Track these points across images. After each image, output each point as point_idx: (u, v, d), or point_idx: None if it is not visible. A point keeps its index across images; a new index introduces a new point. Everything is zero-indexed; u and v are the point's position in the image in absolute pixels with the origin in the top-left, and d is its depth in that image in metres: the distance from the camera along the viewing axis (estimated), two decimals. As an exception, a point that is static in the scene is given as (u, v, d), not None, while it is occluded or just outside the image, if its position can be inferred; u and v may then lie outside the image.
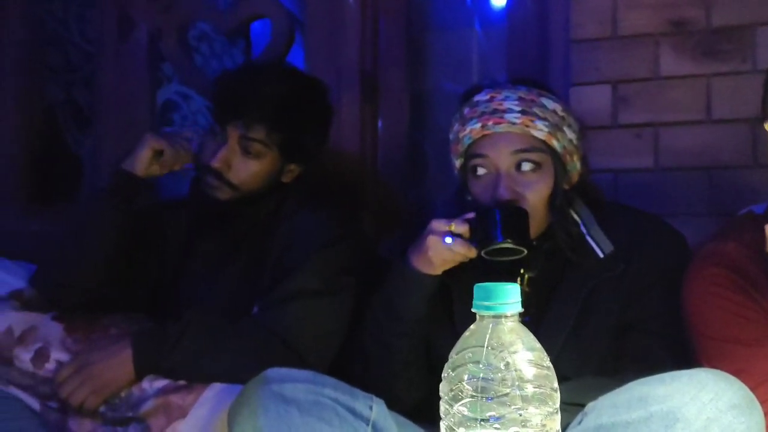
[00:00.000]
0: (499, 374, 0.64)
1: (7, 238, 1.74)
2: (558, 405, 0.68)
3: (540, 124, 1.08)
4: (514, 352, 0.65)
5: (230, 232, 1.36)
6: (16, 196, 2.01)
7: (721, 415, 0.83)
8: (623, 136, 1.48)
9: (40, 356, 1.21)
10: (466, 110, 1.13)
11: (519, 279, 1.11)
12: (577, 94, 1.51)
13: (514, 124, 1.08)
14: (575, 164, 1.13)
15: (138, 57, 1.96)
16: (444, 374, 0.69)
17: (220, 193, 1.30)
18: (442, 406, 0.68)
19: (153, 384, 1.15)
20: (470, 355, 0.66)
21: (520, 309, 0.68)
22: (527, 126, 1.08)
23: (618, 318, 1.09)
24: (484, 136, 1.10)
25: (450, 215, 1.06)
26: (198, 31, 2.27)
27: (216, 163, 1.27)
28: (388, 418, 0.98)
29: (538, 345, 0.68)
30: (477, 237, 1.03)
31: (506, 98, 1.10)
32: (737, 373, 0.88)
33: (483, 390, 0.64)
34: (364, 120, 1.75)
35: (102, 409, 1.15)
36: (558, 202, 1.10)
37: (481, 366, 0.65)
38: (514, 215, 1.04)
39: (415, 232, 1.10)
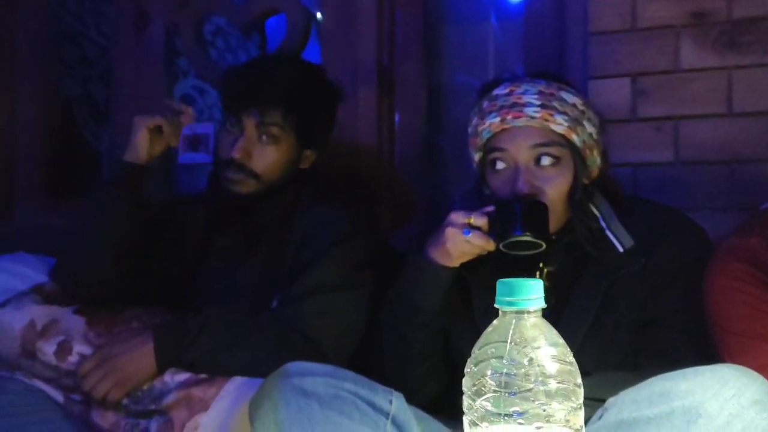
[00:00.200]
0: (522, 370, 0.64)
1: (28, 233, 1.76)
2: (581, 401, 0.68)
3: (559, 118, 1.08)
4: (537, 348, 0.65)
5: (248, 227, 1.37)
6: (36, 191, 2.04)
7: (743, 410, 0.82)
8: (643, 129, 1.47)
9: (63, 349, 1.23)
10: (485, 104, 1.12)
11: (538, 273, 1.11)
12: (596, 87, 1.50)
13: (533, 118, 1.08)
14: (595, 158, 1.13)
15: (154, 52, 1.97)
16: (466, 369, 0.70)
17: (242, 187, 1.30)
18: (465, 401, 0.68)
19: (175, 377, 1.16)
20: (493, 350, 0.66)
21: (543, 305, 0.68)
22: (546, 120, 1.07)
23: (638, 313, 1.08)
24: (503, 130, 1.10)
25: (469, 209, 1.06)
26: (213, 25, 2.28)
27: (236, 154, 1.28)
28: (407, 412, 0.98)
29: (561, 340, 0.67)
30: (496, 230, 1.03)
31: (526, 92, 1.09)
32: (760, 368, 0.87)
33: (506, 385, 0.64)
34: (381, 114, 1.75)
35: (125, 401, 1.17)
36: (577, 196, 1.10)
37: (504, 361, 0.65)
38: (533, 208, 1.03)
39: (432, 226, 1.11)
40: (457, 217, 1.05)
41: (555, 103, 1.08)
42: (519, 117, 1.08)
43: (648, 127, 1.47)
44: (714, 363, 0.90)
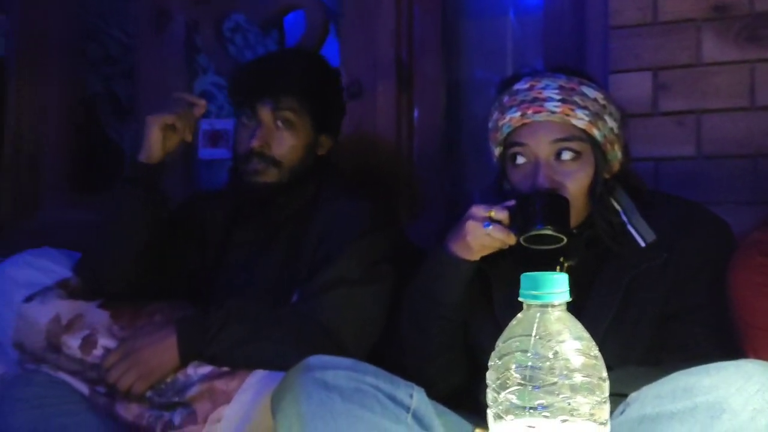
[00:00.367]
0: (547, 363, 0.64)
1: (52, 228, 1.78)
2: (607, 394, 0.67)
3: (580, 112, 1.07)
4: (562, 341, 0.65)
5: (268, 221, 1.38)
6: (61, 186, 2.07)
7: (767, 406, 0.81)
8: (664, 123, 1.46)
9: (88, 343, 1.24)
10: (505, 98, 1.12)
11: (558, 267, 1.10)
12: (616, 82, 1.49)
13: (553, 112, 1.07)
14: (616, 153, 1.12)
15: (175, 49, 1.99)
16: (491, 362, 0.70)
17: (264, 177, 1.32)
18: (490, 394, 0.69)
19: (198, 370, 1.17)
20: (517, 344, 0.66)
21: (567, 298, 0.68)
22: (567, 115, 1.07)
23: (661, 307, 1.08)
24: (523, 124, 1.09)
25: (489, 203, 1.06)
26: (232, 22, 2.29)
27: (256, 143, 1.30)
28: (428, 406, 0.98)
29: (586, 334, 0.67)
30: (516, 223, 1.03)
31: (546, 87, 1.09)
32: (784, 364, 0.87)
33: (531, 379, 0.64)
34: (400, 109, 1.75)
35: (149, 393, 1.18)
36: (598, 191, 1.09)
37: (528, 355, 0.65)
38: (554, 202, 1.03)
39: (451, 221, 1.11)
40: (478, 210, 1.05)
41: (576, 98, 1.08)
42: (540, 112, 1.08)
43: (669, 122, 1.46)
44: (738, 358, 0.89)
